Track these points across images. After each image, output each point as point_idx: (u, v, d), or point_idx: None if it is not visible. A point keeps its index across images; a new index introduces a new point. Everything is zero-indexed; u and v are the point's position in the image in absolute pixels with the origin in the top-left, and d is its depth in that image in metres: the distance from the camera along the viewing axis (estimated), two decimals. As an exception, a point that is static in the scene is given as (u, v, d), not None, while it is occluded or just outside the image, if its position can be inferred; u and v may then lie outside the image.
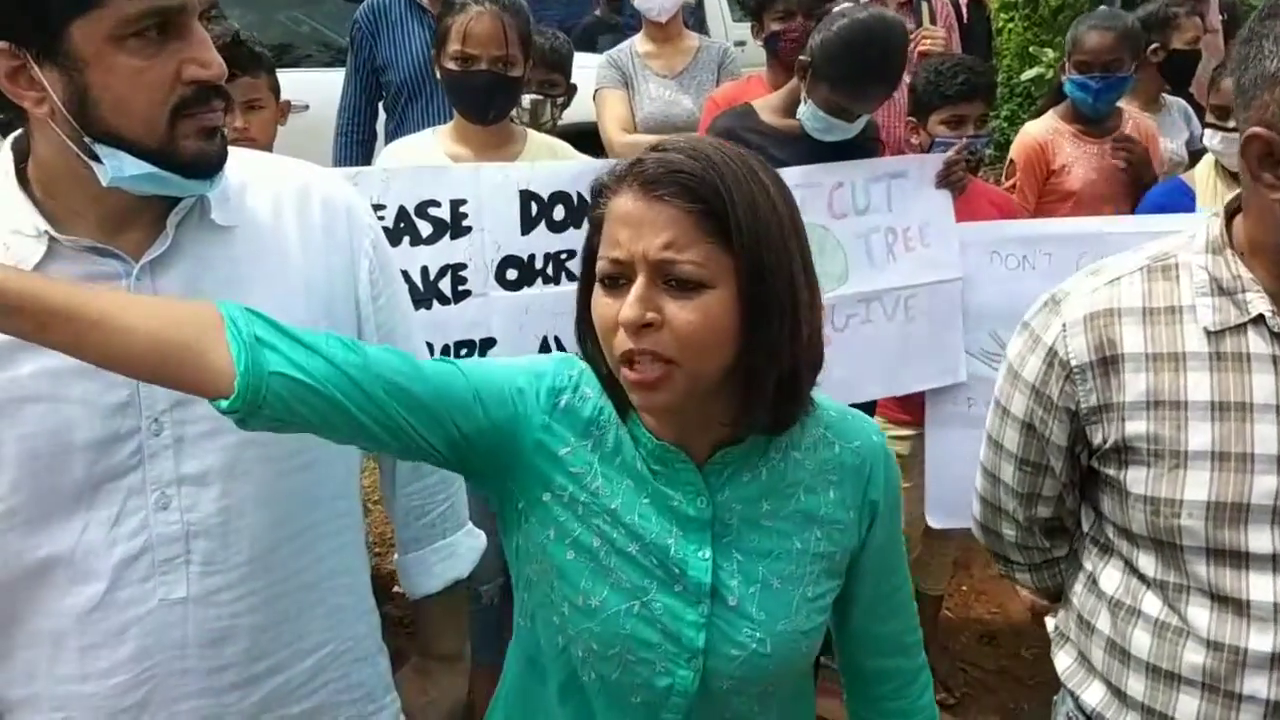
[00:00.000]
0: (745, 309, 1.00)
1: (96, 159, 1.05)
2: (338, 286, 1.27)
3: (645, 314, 0.98)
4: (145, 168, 1.06)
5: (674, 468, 1.10)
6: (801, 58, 2.30)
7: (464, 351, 2.07)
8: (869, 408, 2.58)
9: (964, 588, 3.36)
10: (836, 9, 2.28)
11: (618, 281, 1.01)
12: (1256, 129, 1.12)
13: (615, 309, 1.00)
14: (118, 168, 1.05)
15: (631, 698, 1.11)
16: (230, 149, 1.16)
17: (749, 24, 7.81)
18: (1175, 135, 3.12)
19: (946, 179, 2.42)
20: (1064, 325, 1.27)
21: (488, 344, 2.10)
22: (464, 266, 2.07)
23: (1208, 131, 2.53)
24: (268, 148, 2.50)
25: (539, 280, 2.16)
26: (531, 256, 2.14)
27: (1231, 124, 2.44)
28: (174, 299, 1.08)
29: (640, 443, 1.11)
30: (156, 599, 1.15)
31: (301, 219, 1.25)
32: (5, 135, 1.16)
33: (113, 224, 1.12)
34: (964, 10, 4.55)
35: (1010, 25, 7.69)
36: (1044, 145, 2.97)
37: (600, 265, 1.02)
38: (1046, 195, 2.95)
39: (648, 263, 0.98)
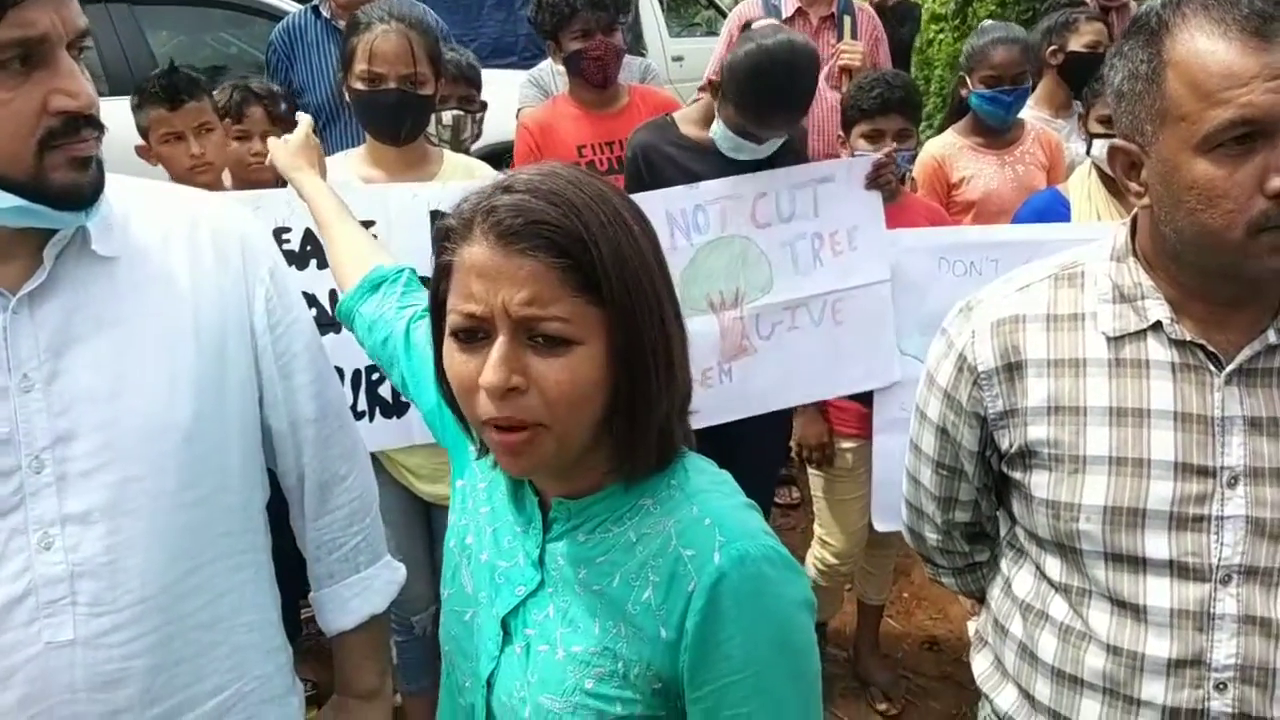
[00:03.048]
0: (617, 362, 0.93)
1: None
2: (230, 317, 1.24)
3: (510, 378, 0.90)
4: (13, 200, 1.02)
5: (528, 499, 1.07)
6: (711, 77, 2.31)
7: (374, 375, 2.04)
8: (787, 414, 2.59)
9: (905, 595, 3.38)
10: (751, 28, 2.28)
11: (475, 336, 0.92)
12: (1116, 141, 1.16)
13: (473, 367, 0.92)
14: None
15: (459, 699, 1.11)
16: (114, 177, 1.13)
17: (680, 37, 7.89)
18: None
19: (875, 181, 2.42)
20: (973, 331, 1.28)
21: None
22: None
23: (1098, 142, 2.57)
24: (222, 169, 2.53)
25: (452, 301, 2.13)
26: (444, 277, 2.12)
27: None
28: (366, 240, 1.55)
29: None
30: (43, 642, 1.10)
31: (191, 249, 1.22)
32: None
33: None
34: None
35: (940, 36, 7.81)
36: (941, 161, 3.05)
37: (453, 319, 0.94)
38: (949, 208, 3.01)
39: (510, 319, 0.90)
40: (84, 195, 1.07)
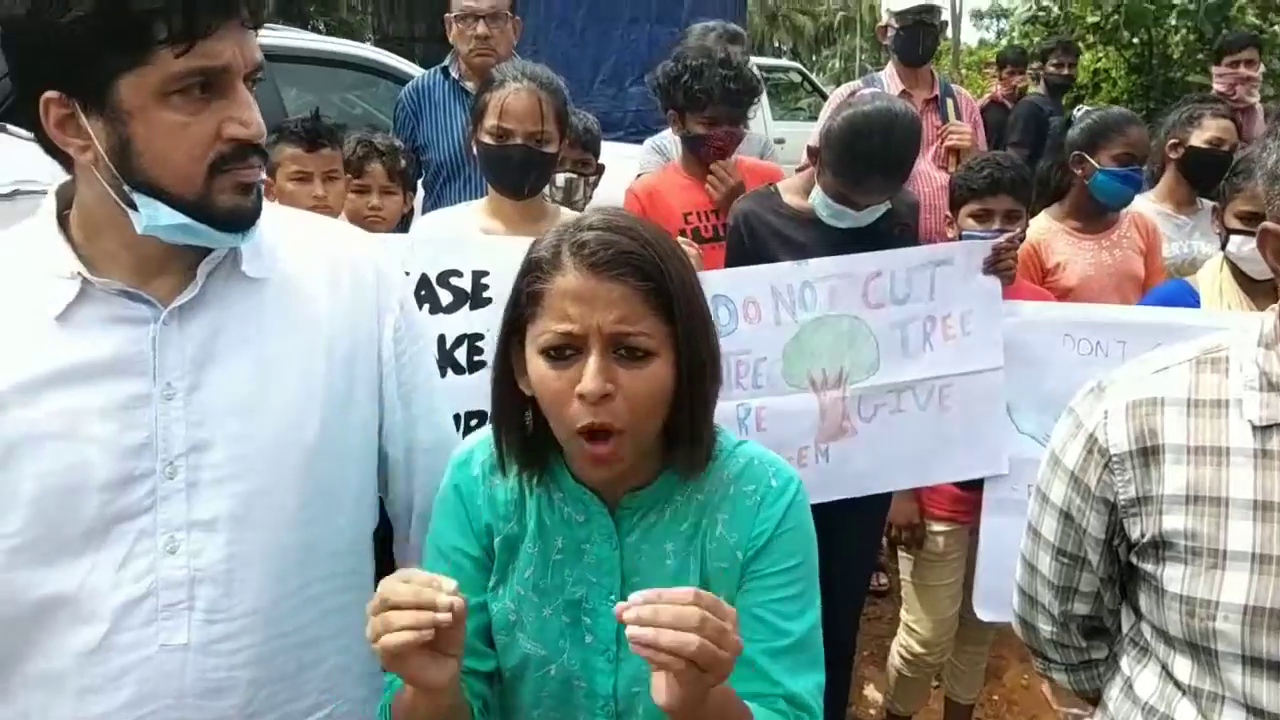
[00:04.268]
0: (682, 370, 1.10)
1: (134, 206, 1.08)
2: (360, 344, 1.27)
3: (605, 385, 1.06)
4: (179, 218, 1.08)
5: (590, 511, 1.19)
6: (811, 144, 2.31)
7: (474, 422, 2.05)
8: (886, 497, 2.52)
9: (995, 697, 3.23)
10: (854, 96, 2.29)
11: (564, 353, 1.08)
12: (1268, 224, 1.13)
13: (566, 380, 1.07)
14: (153, 216, 1.08)
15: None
16: (268, 205, 1.19)
17: (783, 121, 7.98)
18: (1211, 239, 3.08)
19: (995, 265, 2.36)
20: (1106, 412, 1.23)
21: None
22: (480, 337, 2.07)
23: (1235, 238, 2.46)
24: (337, 216, 2.59)
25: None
26: (550, 332, 2.14)
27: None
28: None
29: (563, 492, 1.20)
30: (158, 644, 1.13)
31: (331, 276, 1.27)
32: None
33: (146, 270, 1.14)
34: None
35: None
36: (1036, 246, 2.92)
37: (547, 338, 1.08)
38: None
39: (602, 336, 1.06)
40: (246, 219, 1.13)
